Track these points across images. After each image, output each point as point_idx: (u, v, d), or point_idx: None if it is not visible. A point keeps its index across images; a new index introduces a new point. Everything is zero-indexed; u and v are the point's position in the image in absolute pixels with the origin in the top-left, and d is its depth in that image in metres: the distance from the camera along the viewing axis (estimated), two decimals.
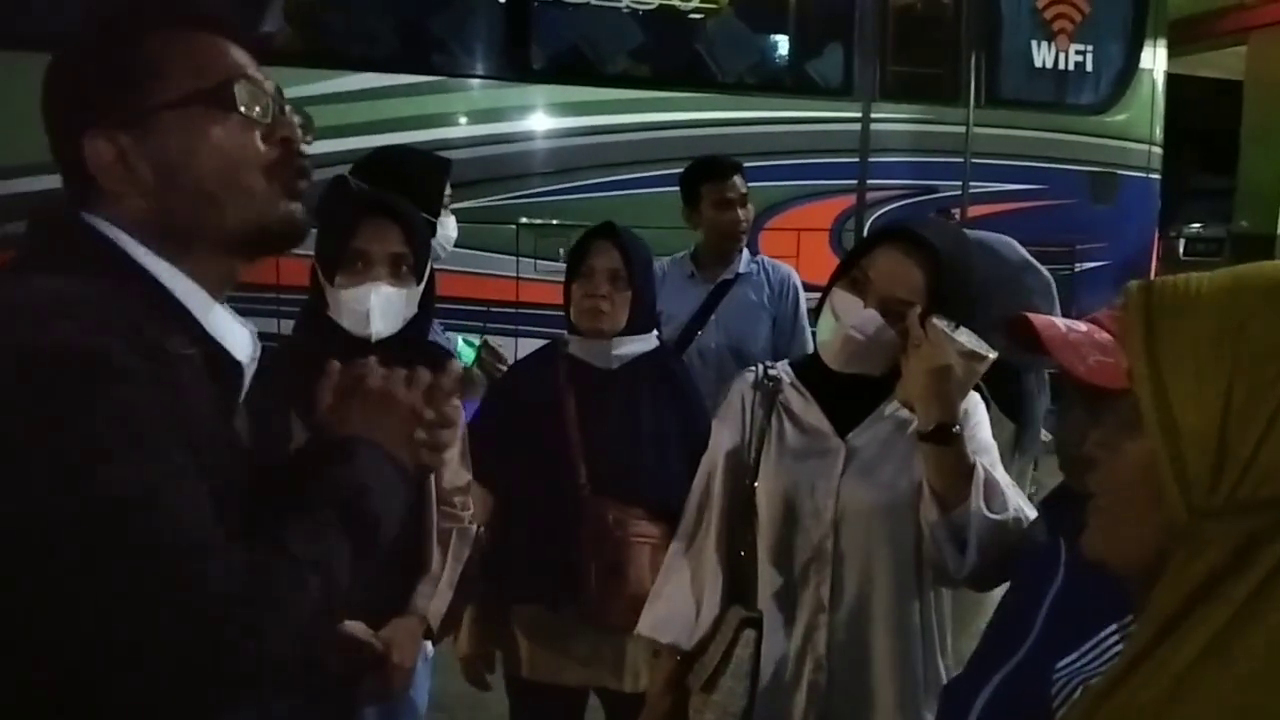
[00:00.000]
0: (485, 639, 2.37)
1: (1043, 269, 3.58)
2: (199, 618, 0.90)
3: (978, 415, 1.81)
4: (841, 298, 1.81)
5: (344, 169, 2.63)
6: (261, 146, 1.09)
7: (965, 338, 1.65)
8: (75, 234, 1.04)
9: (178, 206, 1.06)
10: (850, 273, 1.82)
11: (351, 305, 1.95)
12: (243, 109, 1.08)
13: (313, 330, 2.02)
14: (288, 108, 1.13)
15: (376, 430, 1.14)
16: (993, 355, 1.66)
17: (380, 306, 1.95)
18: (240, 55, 1.10)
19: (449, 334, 2.86)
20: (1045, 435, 3.70)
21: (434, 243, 2.66)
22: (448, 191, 2.82)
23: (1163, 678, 0.75)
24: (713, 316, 3.41)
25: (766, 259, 3.59)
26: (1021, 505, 1.68)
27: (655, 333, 2.38)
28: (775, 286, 3.46)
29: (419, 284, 2.03)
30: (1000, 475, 1.70)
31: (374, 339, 1.95)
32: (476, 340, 2.93)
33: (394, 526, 1.11)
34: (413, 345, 2.04)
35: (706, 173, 3.45)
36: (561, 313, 2.38)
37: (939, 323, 1.65)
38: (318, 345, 1.99)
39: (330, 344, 1.95)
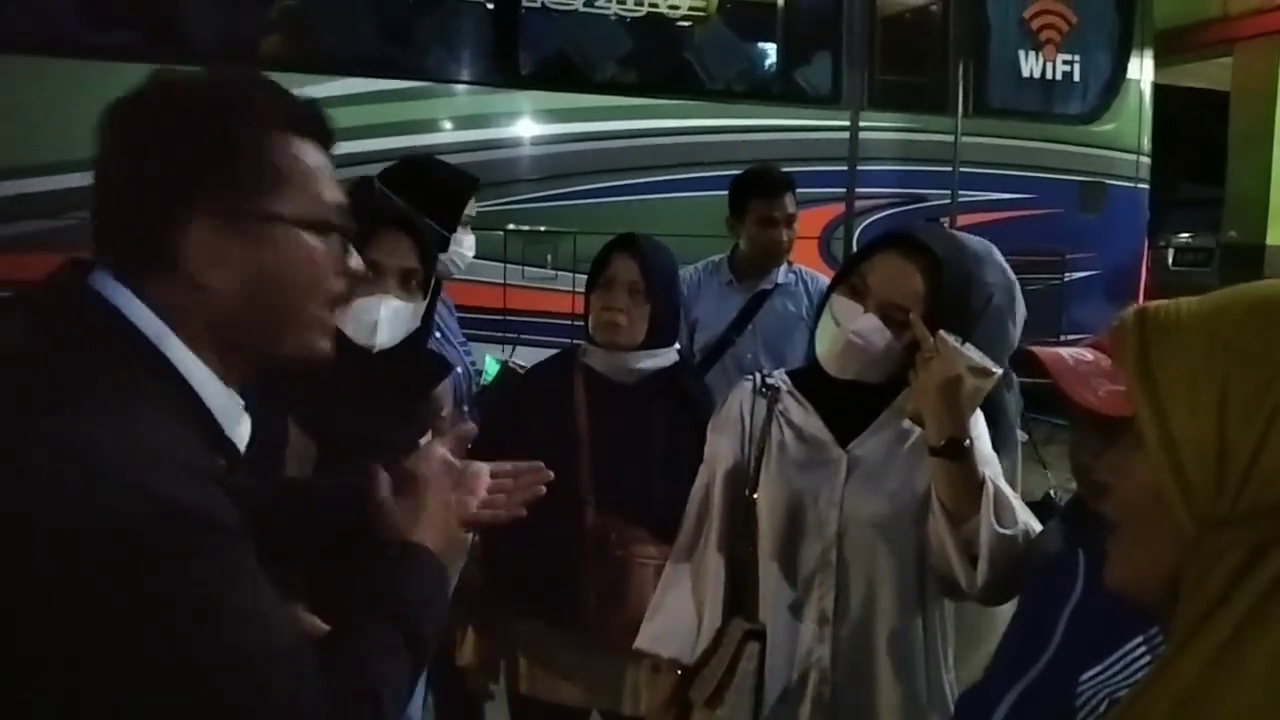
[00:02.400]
0: (488, 648, 2.34)
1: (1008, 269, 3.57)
2: None
3: (977, 428, 1.79)
4: (842, 304, 1.81)
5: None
6: (336, 280, 1.09)
7: (973, 352, 1.64)
8: (102, 322, 0.98)
9: (247, 317, 1.03)
10: (849, 279, 1.83)
11: (359, 315, 1.94)
12: (344, 243, 1.09)
13: None
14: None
15: (432, 530, 1.21)
16: (999, 371, 1.65)
17: (388, 318, 1.95)
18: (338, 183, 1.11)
19: (469, 345, 2.89)
20: (1021, 435, 3.70)
21: (446, 258, 2.68)
22: (472, 209, 2.83)
23: (1175, 688, 0.75)
24: (750, 326, 3.37)
25: (805, 270, 3.53)
26: (1028, 519, 1.67)
27: (675, 347, 2.35)
28: (814, 298, 3.38)
29: (425, 298, 2.03)
30: (1006, 488, 1.69)
31: (376, 349, 1.95)
32: (503, 357, 2.96)
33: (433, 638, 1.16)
34: (412, 355, 2.05)
35: (756, 187, 3.39)
36: (549, 320, 2.36)
37: (949, 337, 1.64)
38: None
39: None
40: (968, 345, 1.65)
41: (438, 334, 2.75)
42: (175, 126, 1.00)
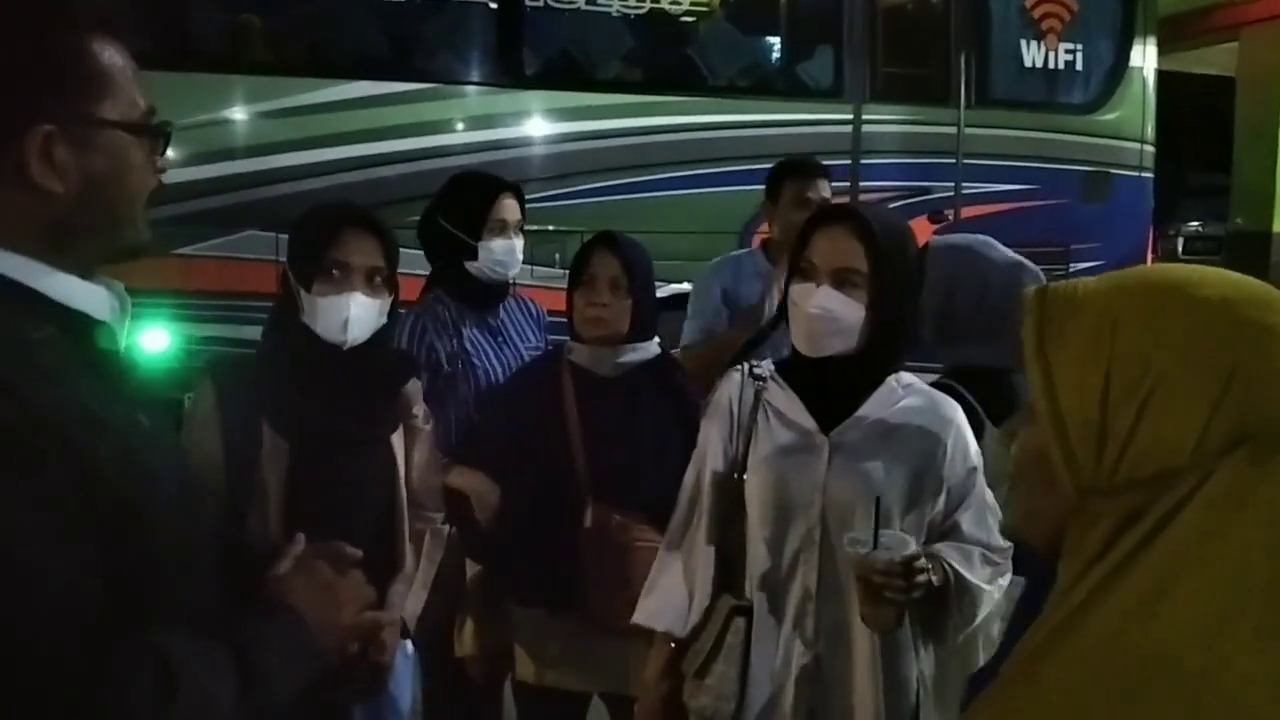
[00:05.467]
0: (489, 638, 2.40)
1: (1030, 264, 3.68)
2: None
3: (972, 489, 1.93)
4: (797, 289, 1.91)
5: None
6: (152, 179, 1.17)
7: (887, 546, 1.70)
8: None
9: (85, 217, 1.09)
10: (798, 267, 1.93)
11: (329, 313, 1.99)
12: (164, 144, 1.17)
13: (282, 334, 2.06)
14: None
15: (311, 610, 1.24)
16: (910, 551, 1.70)
17: (357, 315, 2.00)
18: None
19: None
20: None
21: (476, 266, 2.67)
22: (508, 214, 2.72)
23: (1050, 623, 0.84)
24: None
25: None
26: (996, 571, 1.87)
27: (656, 340, 2.43)
28: None
29: (390, 296, 2.09)
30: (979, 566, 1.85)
31: (347, 346, 2.01)
32: None
33: (285, 688, 1.17)
34: (380, 352, 2.11)
35: (792, 170, 3.51)
36: (556, 319, 2.42)
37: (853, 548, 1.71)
38: (288, 349, 2.03)
39: (301, 349, 2.01)
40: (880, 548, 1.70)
41: (499, 337, 2.73)
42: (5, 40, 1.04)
